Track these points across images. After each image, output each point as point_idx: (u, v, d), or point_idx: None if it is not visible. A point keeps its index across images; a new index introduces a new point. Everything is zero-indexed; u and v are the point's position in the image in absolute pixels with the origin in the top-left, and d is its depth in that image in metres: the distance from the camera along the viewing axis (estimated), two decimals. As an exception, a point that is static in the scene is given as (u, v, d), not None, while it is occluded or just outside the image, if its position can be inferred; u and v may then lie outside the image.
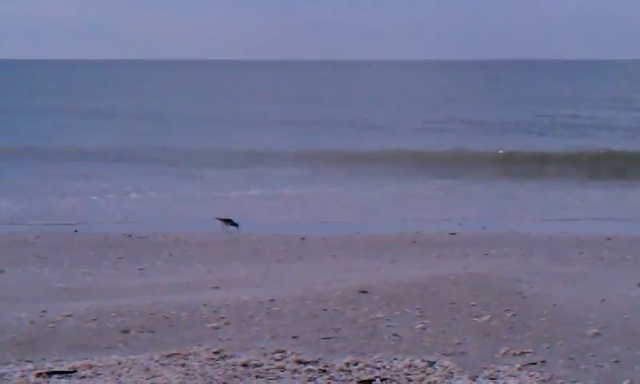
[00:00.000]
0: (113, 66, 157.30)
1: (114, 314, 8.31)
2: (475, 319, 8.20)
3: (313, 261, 12.55)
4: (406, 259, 12.56)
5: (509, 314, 8.31)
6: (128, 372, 6.61)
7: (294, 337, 7.64)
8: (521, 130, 38.83)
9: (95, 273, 11.65)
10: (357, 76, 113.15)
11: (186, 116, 44.43)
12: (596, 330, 7.82)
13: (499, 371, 6.70)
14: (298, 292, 9.26)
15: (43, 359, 7.00)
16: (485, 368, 6.77)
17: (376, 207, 19.82)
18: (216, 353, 7.07)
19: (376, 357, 7.02)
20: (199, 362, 6.86)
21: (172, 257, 13.04)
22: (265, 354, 7.05)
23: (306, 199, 20.78)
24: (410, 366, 6.79)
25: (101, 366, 6.74)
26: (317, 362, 6.86)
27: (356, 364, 6.82)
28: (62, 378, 6.52)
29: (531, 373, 6.67)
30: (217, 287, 10.05)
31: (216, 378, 6.50)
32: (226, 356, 7.00)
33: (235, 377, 6.53)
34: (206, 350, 7.15)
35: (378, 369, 6.73)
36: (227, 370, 6.67)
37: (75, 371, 6.64)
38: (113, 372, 6.62)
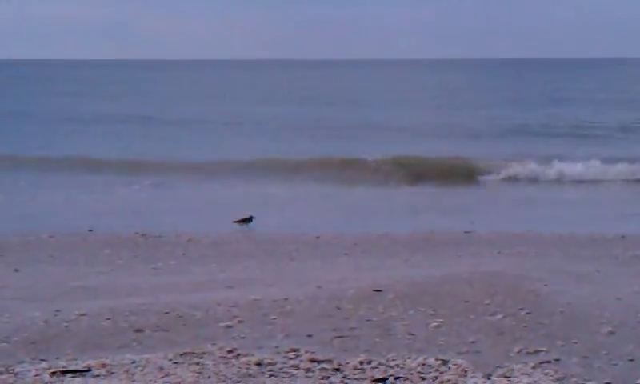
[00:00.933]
0: (124, 67, 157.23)
1: (127, 313, 8.33)
2: (489, 318, 8.19)
3: (326, 259, 12.55)
4: (420, 258, 12.55)
5: (523, 313, 8.30)
6: (142, 371, 6.63)
7: (308, 335, 7.64)
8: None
9: (109, 272, 11.67)
10: (358, 75, 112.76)
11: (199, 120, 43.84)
12: (610, 329, 7.80)
13: (513, 370, 6.69)
14: (311, 291, 9.27)
15: (57, 358, 7.02)
16: (499, 367, 6.76)
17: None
18: (230, 351, 7.08)
19: (390, 355, 7.02)
20: (213, 360, 6.87)
21: (186, 256, 13.06)
22: (278, 353, 7.06)
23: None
24: (423, 364, 6.79)
25: (115, 365, 6.76)
26: (330, 361, 6.86)
27: (369, 362, 6.82)
28: (75, 376, 6.54)
29: (545, 371, 6.66)
30: (230, 286, 10.06)
31: (230, 376, 6.51)
32: (239, 355, 7.00)
33: (249, 375, 6.54)
34: (220, 348, 7.16)
35: (392, 367, 6.73)
36: (241, 368, 6.68)
37: (89, 370, 6.66)
38: (127, 371, 6.64)
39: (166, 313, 8.35)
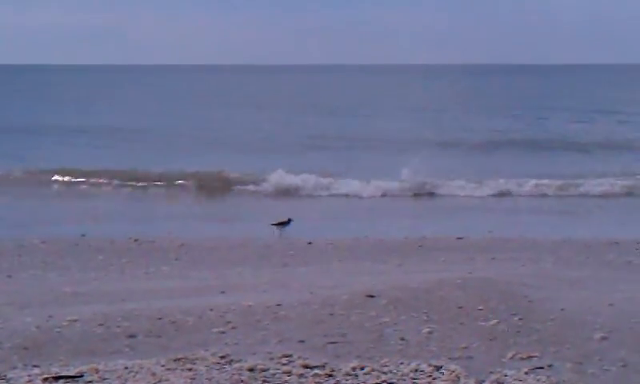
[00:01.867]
0: (122, 73, 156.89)
1: (120, 319, 8.31)
2: (482, 323, 8.19)
3: (319, 265, 12.55)
4: (413, 263, 12.55)
5: (516, 318, 8.30)
6: (134, 377, 6.61)
7: (301, 341, 7.63)
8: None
9: (102, 277, 11.65)
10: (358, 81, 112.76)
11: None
12: (603, 334, 7.80)
13: (506, 375, 6.69)
14: (304, 296, 9.26)
15: (50, 364, 6.99)
16: (492, 372, 6.76)
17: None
18: (222, 357, 7.06)
19: (382, 361, 7.01)
20: (206, 366, 6.86)
21: (178, 261, 13.05)
22: (271, 359, 7.05)
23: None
24: (416, 370, 6.78)
25: (107, 371, 6.74)
26: (323, 367, 6.84)
27: (362, 368, 6.81)
28: (68, 382, 6.52)
29: (538, 377, 6.66)
30: (223, 292, 10.04)
31: (223, 382, 6.50)
32: (232, 360, 6.99)
33: (242, 381, 6.53)
34: (213, 354, 7.15)
35: (385, 373, 6.72)
36: (234, 374, 6.67)
37: (82, 376, 6.64)
38: (119, 377, 6.62)
39: (159, 318, 8.33)
